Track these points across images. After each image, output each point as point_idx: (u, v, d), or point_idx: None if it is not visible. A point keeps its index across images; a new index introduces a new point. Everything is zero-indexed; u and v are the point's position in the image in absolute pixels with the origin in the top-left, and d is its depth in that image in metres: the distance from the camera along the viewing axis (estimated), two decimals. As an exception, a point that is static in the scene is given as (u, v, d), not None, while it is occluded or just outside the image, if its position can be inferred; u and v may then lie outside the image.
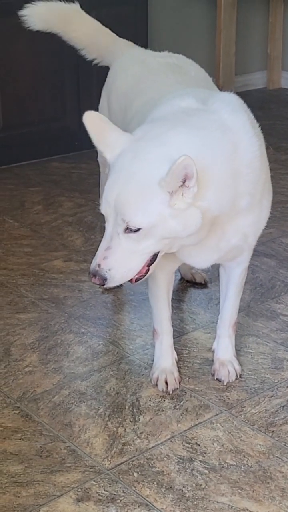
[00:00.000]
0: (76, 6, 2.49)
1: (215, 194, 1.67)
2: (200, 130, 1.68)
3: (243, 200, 1.76)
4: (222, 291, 2.10)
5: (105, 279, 1.70)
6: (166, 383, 2.04)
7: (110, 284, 1.72)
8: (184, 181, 1.59)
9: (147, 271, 1.76)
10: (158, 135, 1.66)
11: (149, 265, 1.74)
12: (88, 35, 2.48)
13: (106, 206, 1.69)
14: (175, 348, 2.13)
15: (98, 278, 1.71)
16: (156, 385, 2.05)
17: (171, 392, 2.03)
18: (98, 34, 2.50)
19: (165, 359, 2.08)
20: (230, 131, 1.72)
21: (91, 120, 1.71)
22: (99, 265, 1.70)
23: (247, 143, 1.74)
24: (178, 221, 1.64)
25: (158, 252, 1.73)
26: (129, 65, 2.31)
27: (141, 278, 1.77)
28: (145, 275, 1.77)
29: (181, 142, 1.63)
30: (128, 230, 1.66)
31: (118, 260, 1.69)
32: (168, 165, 1.59)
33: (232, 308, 2.10)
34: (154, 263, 1.75)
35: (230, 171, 1.70)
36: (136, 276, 1.75)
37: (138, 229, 1.65)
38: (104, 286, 1.74)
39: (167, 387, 2.03)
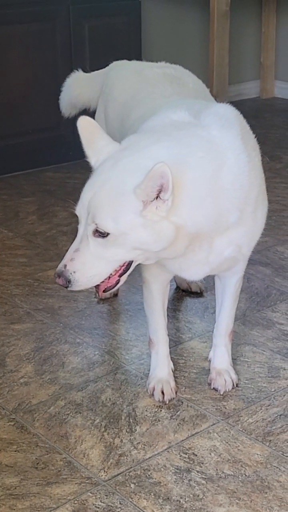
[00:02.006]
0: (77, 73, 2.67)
1: (191, 213, 1.65)
2: (185, 147, 1.66)
3: (232, 216, 1.74)
4: (217, 300, 2.10)
5: (69, 281, 1.68)
6: (163, 393, 2.03)
7: (73, 287, 1.69)
8: (159, 193, 1.58)
9: (118, 281, 1.74)
10: (142, 148, 1.67)
11: (121, 275, 1.72)
12: (85, 87, 2.61)
13: (80, 207, 1.69)
14: (171, 357, 2.12)
15: (62, 279, 1.69)
16: (153, 395, 2.04)
17: (167, 402, 2.02)
18: (90, 82, 2.59)
19: (161, 369, 2.07)
20: (216, 148, 1.70)
21: (84, 125, 1.76)
22: (65, 266, 1.69)
23: (235, 160, 1.71)
24: (148, 233, 1.62)
25: (132, 262, 1.71)
26: (126, 76, 2.31)
27: (111, 289, 1.75)
28: (115, 286, 1.75)
29: (162, 157, 1.61)
30: (97, 234, 1.65)
31: (84, 263, 1.67)
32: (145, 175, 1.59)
33: (228, 317, 2.09)
34: (126, 274, 1.73)
35: (211, 190, 1.68)
36: (105, 286, 1.73)
37: (107, 234, 1.64)
38: (68, 289, 1.71)
39: (163, 397, 2.02)
